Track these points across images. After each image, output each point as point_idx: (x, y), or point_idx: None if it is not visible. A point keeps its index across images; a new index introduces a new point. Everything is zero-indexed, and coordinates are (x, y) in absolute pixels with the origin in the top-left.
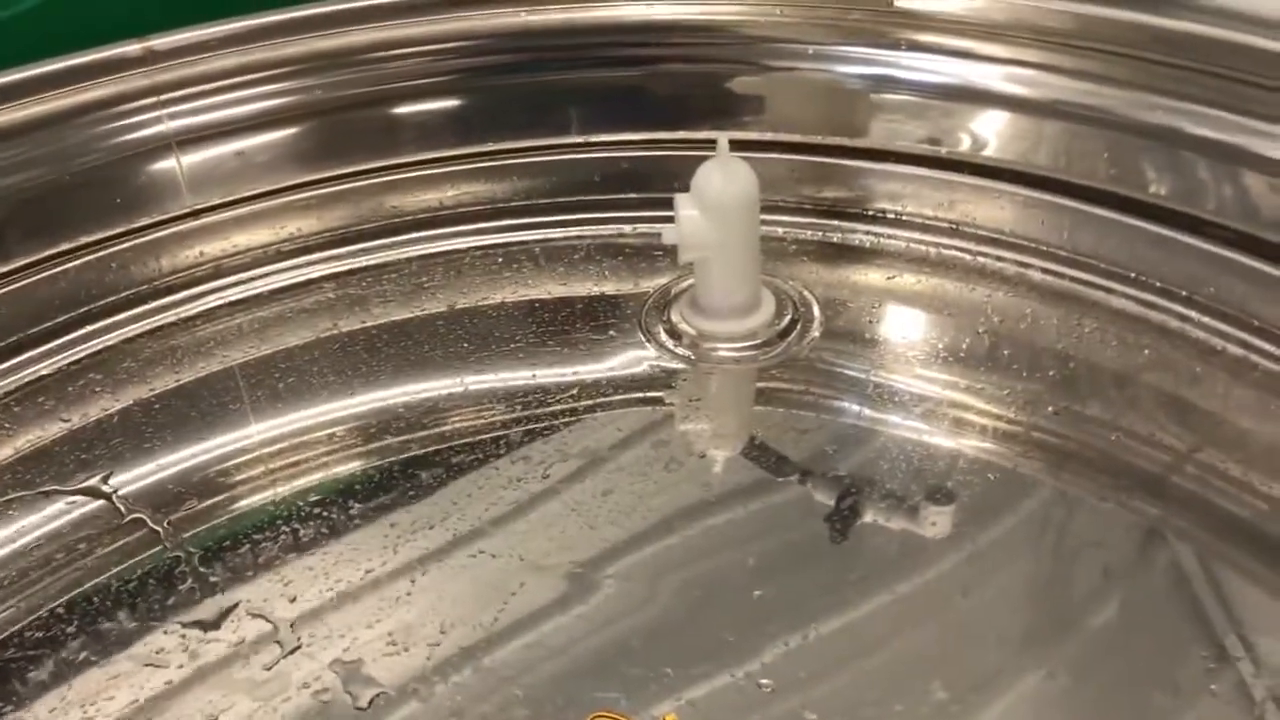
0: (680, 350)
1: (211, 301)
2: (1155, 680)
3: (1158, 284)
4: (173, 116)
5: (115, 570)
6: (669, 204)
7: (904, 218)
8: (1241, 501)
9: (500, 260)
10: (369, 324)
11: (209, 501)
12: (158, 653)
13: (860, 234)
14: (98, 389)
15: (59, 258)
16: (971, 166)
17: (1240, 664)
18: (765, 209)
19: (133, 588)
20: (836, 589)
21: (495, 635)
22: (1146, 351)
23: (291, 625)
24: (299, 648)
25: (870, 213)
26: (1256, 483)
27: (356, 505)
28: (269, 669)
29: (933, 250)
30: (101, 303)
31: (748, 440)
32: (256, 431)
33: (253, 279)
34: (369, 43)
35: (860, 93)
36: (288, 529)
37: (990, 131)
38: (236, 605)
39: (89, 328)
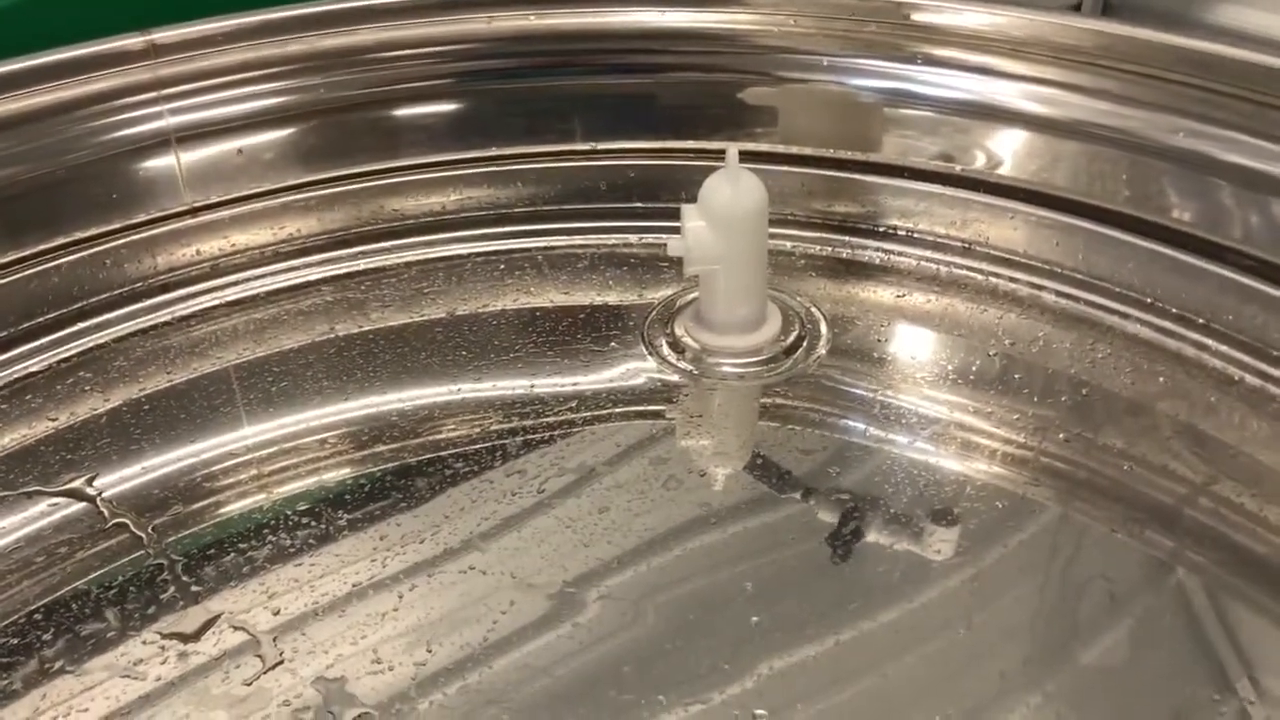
0: (683, 364)
1: (207, 301)
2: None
3: (1174, 310)
4: (174, 112)
5: (96, 576)
6: (676, 215)
7: (916, 235)
8: (1257, 537)
9: (502, 267)
10: (366, 328)
11: (195, 507)
12: (135, 664)
13: (871, 250)
14: (87, 388)
15: (52, 253)
16: (986, 185)
17: (1249, 706)
18: (774, 222)
19: (113, 595)
20: (836, 614)
21: (483, 655)
22: (1162, 379)
23: (274, 639)
24: (281, 663)
25: (881, 229)
26: (1272, 518)
27: (346, 515)
28: (249, 684)
29: (944, 269)
30: (95, 300)
31: (749, 458)
32: (247, 436)
33: (250, 279)
34: (374, 43)
35: (874, 106)
36: (274, 538)
37: (1006, 150)
38: (218, 616)
39: (81, 325)
